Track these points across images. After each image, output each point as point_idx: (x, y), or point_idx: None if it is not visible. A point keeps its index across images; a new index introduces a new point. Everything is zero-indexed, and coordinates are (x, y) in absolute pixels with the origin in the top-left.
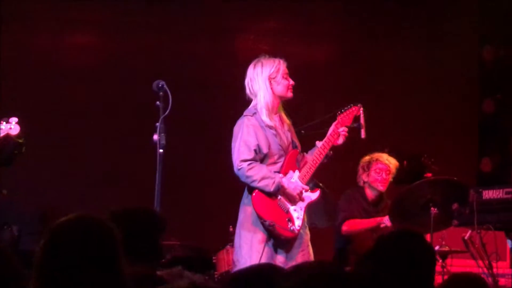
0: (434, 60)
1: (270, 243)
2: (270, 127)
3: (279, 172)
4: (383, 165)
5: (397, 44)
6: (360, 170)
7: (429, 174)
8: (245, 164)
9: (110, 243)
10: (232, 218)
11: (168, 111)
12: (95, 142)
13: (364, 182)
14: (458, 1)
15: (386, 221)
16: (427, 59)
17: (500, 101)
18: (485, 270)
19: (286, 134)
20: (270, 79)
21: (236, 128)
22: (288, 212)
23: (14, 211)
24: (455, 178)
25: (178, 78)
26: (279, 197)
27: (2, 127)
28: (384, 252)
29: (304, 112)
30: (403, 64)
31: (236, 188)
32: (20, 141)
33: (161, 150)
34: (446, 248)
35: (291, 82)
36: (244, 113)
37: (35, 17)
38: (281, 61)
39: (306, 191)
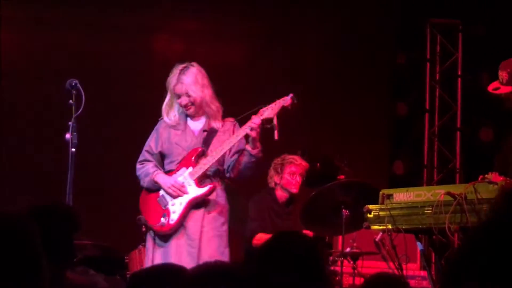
0: (349, 62)
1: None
2: (175, 127)
3: (173, 169)
4: (297, 168)
5: (310, 46)
6: (272, 172)
7: (342, 177)
8: (137, 165)
9: (29, 242)
10: None
11: (81, 110)
12: (7, 140)
13: (275, 184)
14: (373, 6)
15: None
16: (342, 62)
17: (412, 105)
18: (395, 271)
19: (198, 135)
20: (167, 88)
21: None
22: (166, 207)
23: None
24: (366, 181)
25: (94, 76)
26: (161, 193)
27: None
28: (268, 253)
29: None
30: (316, 65)
31: None
32: None
33: (73, 149)
34: (357, 250)
35: (181, 102)
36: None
37: None
38: (174, 80)
39: (182, 186)
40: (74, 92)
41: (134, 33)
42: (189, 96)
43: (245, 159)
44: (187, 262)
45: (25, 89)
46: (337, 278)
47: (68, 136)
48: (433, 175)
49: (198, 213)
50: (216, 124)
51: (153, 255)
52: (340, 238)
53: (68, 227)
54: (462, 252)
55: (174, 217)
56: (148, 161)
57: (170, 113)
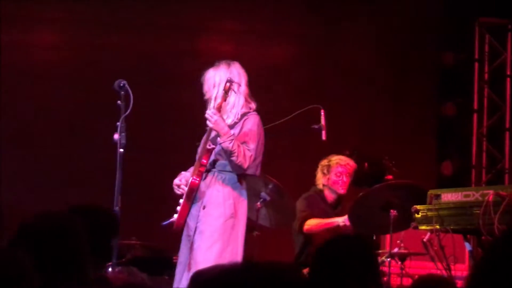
0: (395, 62)
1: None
2: None
3: None
4: (344, 168)
5: (358, 46)
6: (320, 173)
7: (390, 177)
8: None
9: (74, 241)
10: None
11: (129, 110)
12: (56, 140)
13: (323, 185)
14: (420, 6)
15: (346, 220)
16: (388, 62)
17: (460, 105)
18: (443, 272)
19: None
20: None
21: None
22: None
23: None
24: (414, 181)
25: (141, 77)
26: None
27: None
28: (321, 259)
29: (266, 113)
30: (364, 66)
31: None
32: None
33: (121, 150)
34: (405, 250)
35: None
36: None
37: None
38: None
39: (180, 185)
40: (122, 92)
41: (182, 34)
42: (211, 98)
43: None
44: (185, 260)
45: (74, 90)
46: (384, 278)
47: (116, 136)
48: (481, 176)
49: (195, 209)
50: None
51: None
52: (387, 238)
53: (106, 229)
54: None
55: (176, 215)
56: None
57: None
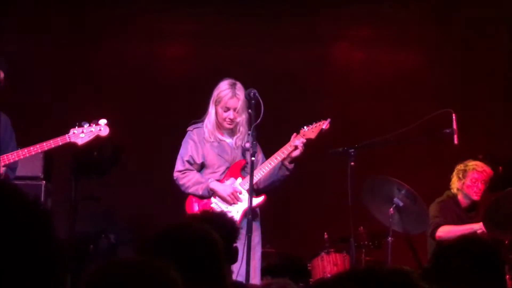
0: None
1: None
2: (209, 139)
3: (219, 179)
4: (479, 174)
5: (490, 49)
6: (455, 177)
7: None
8: (179, 174)
9: (212, 250)
10: (327, 225)
11: (260, 119)
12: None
13: (457, 189)
14: None
15: (482, 226)
16: None
17: None
18: None
19: (234, 147)
20: (216, 103)
21: None
22: None
23: (111, 219)
24: None
25: (272, 86)
26: (214, 199)
27: (92, 129)
28: (446, 260)
29: (396, 119)
30: (497, 69)
31: (332, 193)
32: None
33: (253, 158)
34: None
35: (230, 116)
36: (188, 128)
37: (131, 30)
38: (229, 93)
39: (240, 193)
40: (253, 101)
41: (313, 42)
42: (237, 112)
43: (280, 172)
44: (237, 266)
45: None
46: None
47: (247, 145)
48: None
49: (246, 220)
50: (239, 141)
51: None
52: None
53: (229, 234)
54: None
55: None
56: (190, 170)
57: (209, 126)
